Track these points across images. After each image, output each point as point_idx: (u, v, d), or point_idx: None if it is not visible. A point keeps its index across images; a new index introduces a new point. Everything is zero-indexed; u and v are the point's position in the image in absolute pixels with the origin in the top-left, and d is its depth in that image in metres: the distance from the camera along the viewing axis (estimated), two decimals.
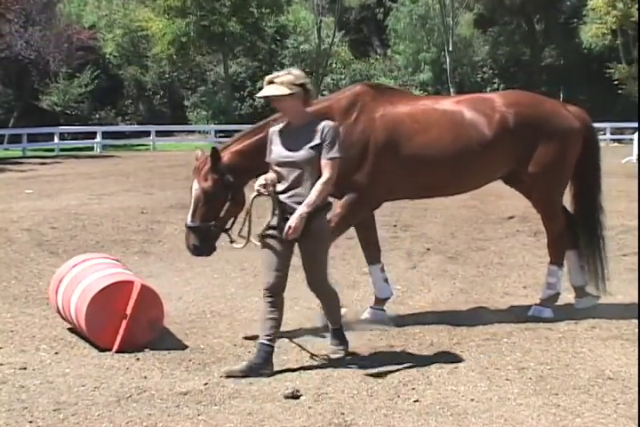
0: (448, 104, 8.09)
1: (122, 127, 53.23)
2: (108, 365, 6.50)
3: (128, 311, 6.88)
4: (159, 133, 49.02)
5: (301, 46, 63.67)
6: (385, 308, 8.14)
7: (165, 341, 7.19)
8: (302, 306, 8.31)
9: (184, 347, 7.05)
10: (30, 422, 5.29)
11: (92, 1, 67.73)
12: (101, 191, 20.33)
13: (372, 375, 6.23)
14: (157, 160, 35.43)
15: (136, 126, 52.78)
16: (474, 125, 7.78)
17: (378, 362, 6.58)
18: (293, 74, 6.26)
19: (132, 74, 62.44)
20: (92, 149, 46.20)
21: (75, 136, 47.54)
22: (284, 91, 6.16)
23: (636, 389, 5.83)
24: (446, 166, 7.78)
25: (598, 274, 8.39)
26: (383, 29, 66.43)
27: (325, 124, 6.23)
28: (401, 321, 7.85)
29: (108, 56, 62.01)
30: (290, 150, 6.26)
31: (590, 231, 8.46)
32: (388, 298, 8.21)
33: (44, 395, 5.79)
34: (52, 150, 44.35)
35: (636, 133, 32.96)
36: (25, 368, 6.41)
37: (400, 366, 6.46)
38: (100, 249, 12.01)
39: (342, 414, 5.42)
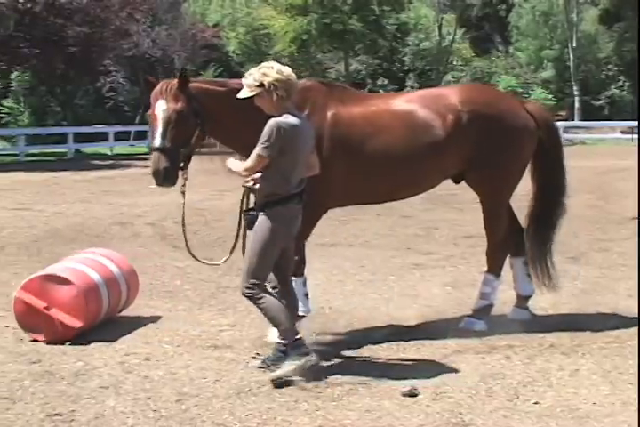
0: (400, 104, 7.53)
1: None
2: (229, 358, 6.60)
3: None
4: None
5: (422, 44, 63.47)
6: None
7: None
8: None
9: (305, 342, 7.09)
10: (154, 410, 5.43)
11: (216, 0, 68.81)
12: (223, 188, 20.59)
13: (490, 375, 6.16)
14: None
15: None
16: (426, 127, 7.29)
17: (497, 362, 6.51)
18: (252, 76, 6.12)
19: None
20: (214, 145, 46.80)
21: None
22: (248, 93, 6.14)
23: None
24: (398, 170, 7.30)
25: (549, 280, 7.95)
26: (505, 26, 65.70)
27: (269, 121, 6.05)
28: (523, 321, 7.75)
29: (230, 54, 62.96)
30: None
31: (544, 238, 7.95)
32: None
33: (166, 385, 5.92)
34: None
35: None
36: (149, 359, 6.57)
37: (519, 367, 6.37)
38: (222, 244, 12.22)
39: (460, 413, 5.38)
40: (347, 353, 6.79)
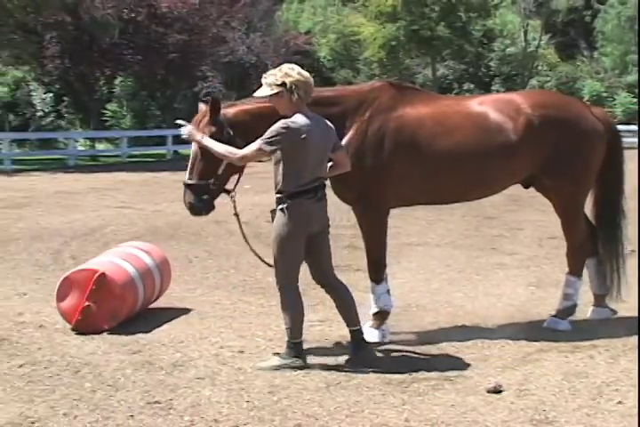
0: (472, 105, 7.40)
1: None
2: (319, 353, 6.62)
3: (85, 296, 7.18)
4: None
5: (508, 49, 62.76)
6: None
7: (373, 331, 7.23)
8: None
9: (391, 338, 7.08)
10: (247, 401, 5.48)
11: (308, 8, 69.16)
12: None
13: (574, 374, 6.06)
14: None
15: None
16: (498, 129, 7.15)
17: (580, 361, 6.41)
18: (274, 76, 6.13)
19: (343, 77, 63.31)
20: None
21: None
22: (268, 92, 6.13)
23: None
24: (468, 171, 7.16)
25: (619, 282, 7.75)
26: (590, 32, 64.52)
27: (280, 120, 6.08)
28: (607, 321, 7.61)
29: (322, 60, 63.18)
30: None
31: (612, 238, 7.76)
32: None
33: (259, 378, 5.98)
34: None
35: None
36: (243, 352, 6.64)
37: (603, 367, 6.26)
38: None
39: (544, 411, 5.31)
40: (432, 350, 6.76)
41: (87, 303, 7.17)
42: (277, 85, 6.06)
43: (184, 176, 6.80)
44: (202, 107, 6.84)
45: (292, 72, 6.09)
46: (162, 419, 5.16)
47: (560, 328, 7.40)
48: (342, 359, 6.42)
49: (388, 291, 7.32)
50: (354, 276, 9.92)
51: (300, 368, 6.18)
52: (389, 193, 7.12)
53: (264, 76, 6.23)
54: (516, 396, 5.61)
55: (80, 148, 41.22)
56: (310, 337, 7.07)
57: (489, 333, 7.20)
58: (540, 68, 63.24)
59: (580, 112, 7.46)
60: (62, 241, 12.52)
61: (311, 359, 6.38)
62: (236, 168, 6.79)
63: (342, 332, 7.17)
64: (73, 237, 12.84)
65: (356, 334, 6.48)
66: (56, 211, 16.22)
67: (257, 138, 6.15)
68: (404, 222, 13.41)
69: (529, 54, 60.63)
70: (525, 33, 60.49)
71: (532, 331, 7.23)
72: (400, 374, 6.06)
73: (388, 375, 6.03)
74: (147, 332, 7.25)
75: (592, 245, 7.74)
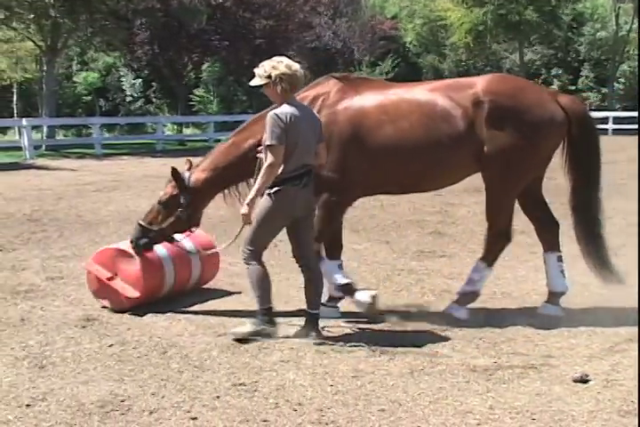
0: (420, 93, 7.27)
1: None
2: (403, 338, 6.61)
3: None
4: None
5: (598, 33, 61.48)
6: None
7: (457, 317, 7.22)
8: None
9: (475, 325, 7.03)
10: (331, 385, 5.50)
11: None
12: None
13: None
14: None
15: None
16: (445, 116, 7.01)
17: None
18: (263, 67, 6.47)
19: (430, 62, 62.93)
20: None
21: None
22: (258, 82, 6.49)
23: None
24: (415, 161, 7.07)
25: (605, 268, 7.48)
26: None
27: (268, 115, 6.39)
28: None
29: (408, 45, 62.84)
30: None
31: (588, 230, 7.48)
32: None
33: (343, 362, 5.99)
34: None
35: None
36: (327, 336, 6.66)
37: None
38: (396, 229, 12.26)
39: (632, 402, 5.21)
40: (518, 338, 6.69)
41: (110, 275, 7.52)
42: (265, 77, 6.43)
43: None
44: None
45: (279, 65, 6.42)
46: (247, 401, 5.21)
47: (457, 315, 7.23)
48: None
49: (340, 265, 7.51)
50: (438, 261, 9.90)
51: (271, 335, 6.50)
52: (347, 184, 7.11)
53: (258, 66, 6.58)
54: (602, 386, 5.51)
55: (168, 132, 41.91)
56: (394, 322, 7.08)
57: (576, 321, 7.09)
58: (631, 52, 61.78)
59: (535, 99, 7.18)
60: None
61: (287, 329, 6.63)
62: (183, 228, 7.55)
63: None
64: None
65: (313, 317, 6.69)
66: (144, 194, 16.47)
67: (218, 188, 7.40)
68: None
69: (620, 39, 59.24)
70: (617, 17, 59.11)
71: (620, 320, 7.09)
72: (484, 362, 6.02)
73: (472, 362, 5.99)
74: (233, 315, 7.33)
75: (553, 240, 7.56)
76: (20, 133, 33.29)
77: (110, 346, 6.35)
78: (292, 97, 6.50)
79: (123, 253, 7.54)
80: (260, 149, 6.67)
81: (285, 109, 6.34)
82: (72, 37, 39.37)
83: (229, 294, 8.20)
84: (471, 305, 7.43)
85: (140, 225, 7.45)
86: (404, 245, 11.00)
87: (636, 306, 7.13)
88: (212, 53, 43.84)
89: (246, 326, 6.59)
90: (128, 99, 56.72)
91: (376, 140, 7.04)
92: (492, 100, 7.00)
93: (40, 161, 28.23)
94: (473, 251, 10.39)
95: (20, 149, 30.82)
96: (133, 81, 53.87)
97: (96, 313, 7.35)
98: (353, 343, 6.40)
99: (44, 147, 33.16)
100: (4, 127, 42.82)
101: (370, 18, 54.81)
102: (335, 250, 7.55)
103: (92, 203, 15.45)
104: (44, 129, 36.37)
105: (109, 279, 7.50)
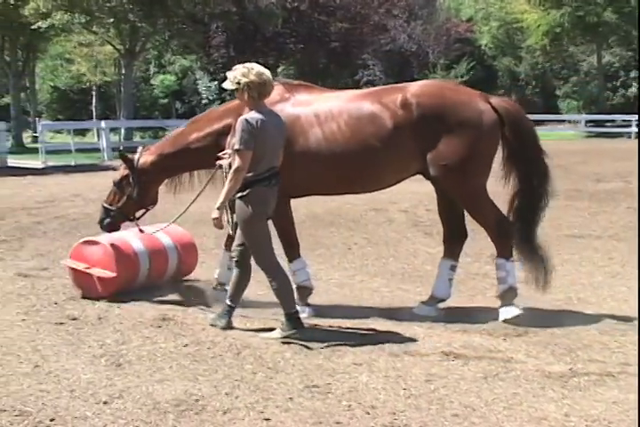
0: (353, 98, 7.48)
1: None
2: (477, 343, 6.55)
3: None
4: None
5: None
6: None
7: (533, 322, 7.15)
8: None
9: (551, 331, 6.94)
10: (404, 389, 5.47)
11: None
12: None
13: None
14: None
15: None
16: (372, 119, 7.16)
17: None
18: (235, 72, 6.60)
19: (505, 65, 62.30)
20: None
21: None
22: (228, 86, 6.66)
23: None
24: (343, 163, 7.22)
25: (540, 273, 7.48)
26: None
27: (238, 120, 6.55)
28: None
29: (483, 48, 62.32)
30: None
31: (526, 233, 7.48)
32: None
33: (416, 366, 5.96)
34: None
35: None
36: (400, 340, 6.63)
37: None
38: (470, 232, 12.14)
39: None
40: (594, 344, 6.58)
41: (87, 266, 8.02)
42: (235, 83, 6.59)
43: None
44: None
45: (249, 73, 6.55)
46: (320, 402, 5.22)
47: (508, 316, 7.20)
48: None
49: (305, 267, 7.72)
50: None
51: (299, 339, 6.54)
52: (290, 184, 7.21)
53: (232, 69, 6.73)
54: None
55: None
56: (470, 327, 7.02)
57: None
58: None
59: (462, 99, 7.23)
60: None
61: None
62: (137, 207, 8.12)
63: (506, 323, 7.10)
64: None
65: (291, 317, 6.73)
66: (215, 195, 16.60)
67: (166, 176, 7.95)
68: (565, 214, 13.13)
69: None
70: None
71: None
72: (560, 368, 5.93)
73: (547, 368, 5.91)
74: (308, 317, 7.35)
75: (454, 248, 7.67)
76: (98, 135, 33.94)
77: (185, 346, 6.41)
78: (261, 103, 6.67)
79: (91, 244, 8.11)
80: (221, 154, 7.01)
81: (255, 115, 6.51)
82: (150, 41, 39.98)
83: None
84: (547, 311, 7.35)
85: (103, 206, 8.11)
86: (478, 248, 10.87)
87: None
88: (286, 56, 44.11)
89: (275, 331, 6.72)
90: (204, 101, 57.35)
91: (305, 143, 7.30)
92: (419, 102, 7.13)
93: (118, 162, 28.62)
94: (550, 256, 10.26)
95: (98, 150, 31.39)
96: (209, 84, 54.43)
97: (171, 313, 7.43)
98: (426, 348, 6.38)
99: (121, 148, 33.70)
100: (84, 129, 43.64)
101: (445, 20, 54.52)
102: (293, 249, 7.76)
103: (165, 203, 15.61)
104: (122, 131, 36.98)
105: (87, 269, 8.01)
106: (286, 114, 7.25)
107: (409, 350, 6.33)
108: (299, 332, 6.62)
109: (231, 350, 6.32)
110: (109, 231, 8.13)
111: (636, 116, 44.08)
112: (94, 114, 56.47)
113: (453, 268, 7.65)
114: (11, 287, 8.34)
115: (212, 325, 6.94)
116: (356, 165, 7.24)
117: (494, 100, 7.41)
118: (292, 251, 7.70)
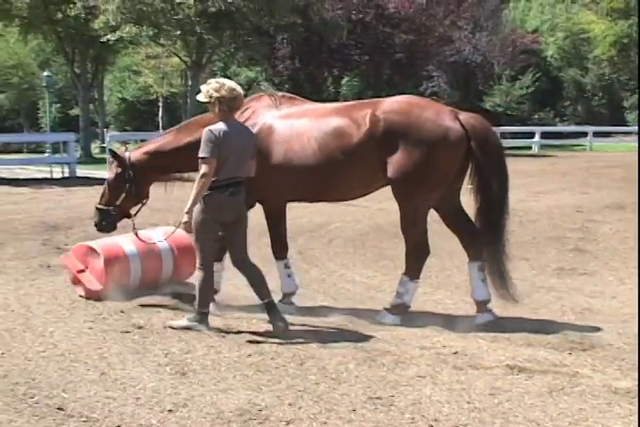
0: (324, 112, 7.82)
1: (560, 128, 52.75)
2: (542, 357, 6.47)
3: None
4: (596, 134, 48.06)
5: None
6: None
7: (599, 337, 7.03)
8: None
9: (617, 346, 6.82)
10: (468, 402, 5.42)
11: (536, 6, 67.76)
12: (538, 189, 20.33)
13: None
14: (594, 160, 34.66)
15: (573, 127, 52.12)
16: (340, 133, 7.48)
17: None
18: (208, 86, 7.05)
19: (571, 76, 61.62)
20: (529, 148, 46.23)
21: (514, 135, 47.83)
22: (202, 98, 7.09)
23: None
24: (314, 173, 7.59)
25: (504, 285, 7.61)
26: None
27: (204, 130, 6.98)
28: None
29: (549, 59, 61.74)
30: None
31: (492, 244, 7.60)
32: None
33: (480, 379, 5.90)
34: None
35: None
36: (464, 352, 6.58)
37: None
38: (535, 245, 12.04)
39: None
40: None
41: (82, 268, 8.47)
42: (207, 96, 7.03)
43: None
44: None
45: (221, 88, 7.00)
46: (383, 415, 5.20)
47: (385, 321, 7.56)
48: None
49: (290, 275, 8.24)
50: (578, 279, 9.68)
51: (200, 331, 7.11)
52: (260, 192, 7.77)
53: (206, 82, 7.22)
54: None
55: None
56: (534, 340, 6.95)
57: None
58: None
59: (428, 115, 7.37)
60: (289, 236, 12.80)
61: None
62: (135, 202, 8.38)
63: (573, 337, 7.00)
64: (299, 233, 13.17)
65: (269, 304, 7.27)
66: (291, 204, 16.66)
67: (156, 171, 8.15)
68: (632, 227, 12.90)
69: None
70: None
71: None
72: (627, 384, 5.82)
73: (613, 384, 5.81)
74: (369, 328, 7.34)
75: (475, 249, 7.72)
76: None
77: (249, 356, 6.44)
78: (231, 116, 7.08)
79: (90, 249, 8.47)
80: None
81: (220, 127, 6.95)
82: (216, 53, 40.41)
83: (367, 309, 8.19)
84: (613, 325, 7.25)
85: (99, 208, 8.40)
86: (544, 261, 10.80)
87: None
88: (351, 68, 44.21)
89: (182, 320, 7.32)
90: None
91: (278, 155, 7.69)
92: (385, 118, 7.37)
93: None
94: (615, 269, 10.15)
95: None
96: None
97: (235, 323, 7.48)
98: (490, 362, 6.32)
99: None
100: None
101: (510, 31, 54.08)
102: (281, 250, 8.34)
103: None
104: None
105: (80, 272, 8.47)
106: (267, 125, 7.79)
107: (473, 363, 6.28)
108: (200, 326, 7.16)
109: (294, 360, 6.34)
110: (110, 231, 8.52)
111: None
112: (161, 125, 57.19)
113: (481, 268, 7.74)
114: (78, 295, 8.46)
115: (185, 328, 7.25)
116: (325, 175, 7.58)
117: (463, 116, 7.53)
118: (282, 252, 8.35)
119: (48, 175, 27.21)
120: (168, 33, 36.10)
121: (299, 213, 15.54)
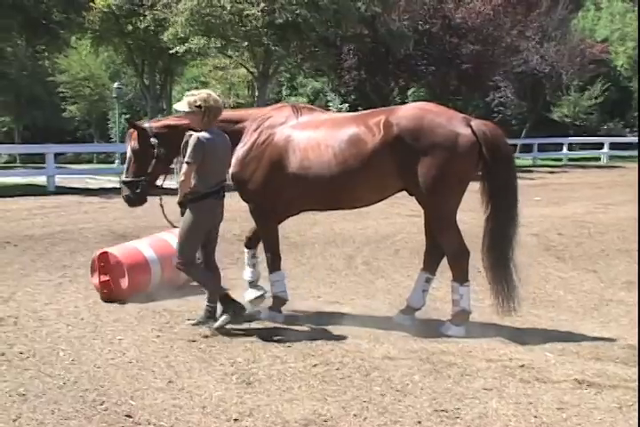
0: (341, 121, 7.89)
1: (629, 139, 51.86)
2: (611, 372, 6.36)
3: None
4: None
5: None
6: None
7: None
8: None
9: None
10: (535, 416, 5.37)
11: (605, 15, 66.87)
12: (607, 201, 20.01)
13: None
14: None
15: None
16: (355, 141, 7.56)
17: None
18: (195, 97, 7.42)
19: None
20: (598, 159, 45.61)
21: (582, 146, 47.24)
22: (186, 108, 7.44)
23: None
24: (329, 181, 7.64)
25: (509, 296, 7.53)
26: None
27: (192, 136, 7.33)
28: None
29: (618, 68, 60.83)
30: None
31: (500, 254, 7.55)
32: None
33: (548, 393, 5.84)
34: (560, 160, 44.55)
35: None
36: (532, 366, 6.51)
37: None
38: (604, 258, 11.86)
39: None
40: None
41: (106, 278, 8.92)
42: (195, 106, 7.38)
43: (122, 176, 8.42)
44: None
45: (208, 98, 7.43)
46: None
47: (450, 333, 7.53)
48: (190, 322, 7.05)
49: (283, 279, 8.28)
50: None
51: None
52: (272, 198, 7.97)
53: (188, 93, 7.61)
54: None
55: None
56: (603, 354, 6.84)
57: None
58: None
59: (440, 125, 7.39)
60: (355, 247, 12.90)
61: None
62: (163, 169, 8.37)
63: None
64: (365, 244, 13.19)
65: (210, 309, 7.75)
66: (349, 217, 16.68)
67: (174, 145, 7.79)
68: None
69: None
70: None
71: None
72: None
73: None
74: (435, 339, 7.30)
75: (433, 262, 7.97)
76: None
77: (314, 366, 6.45)
78: (213, 125, 7.52)
79: (112, 256, 8.93)
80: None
81: (207, 135, 7.36)
82: (283, 64, 40.57)
83: (433, 320, 8.14)
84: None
85: (126, 182, 8.33)
86: (613, 274, 10.62)
87: None
88: (418, 78, 44.02)
89: (192, 320, 7.80)
90: None
91: (295, 162, 7.78)
92: (398, 124, 7.43)
93: None
94: None
95: None
96: (340, 106, 54.76)
97: (301, 333, 7.49)
98: (558, 376, 6.24)
99: None
100: None
101: (579, 41, 53.41)
102: (276, 262, 8.31)
103: (298, 224, 15.78)
104: None
105: (102, 277, 8.93)
106: (285, 134, 7.92)
107: (540, 376, 6.21)
108: (213, 322, 7.57)
109: (360, 371, 6.33)
110: (141, 204, 8.39)
111: None
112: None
113: (428, 280, 8.05)
114: (146, 304, 8.56)
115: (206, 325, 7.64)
116: (340, 183, 7.63)
117: (475, 122, 7.54)
118: (275, 263, 8.26)
119: (117, 185, 27.58)
120: (235, 44, 36.35)
121: (365, 224, 15.57)
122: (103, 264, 9.00)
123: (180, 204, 7.55)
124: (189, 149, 7.29)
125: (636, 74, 48.74)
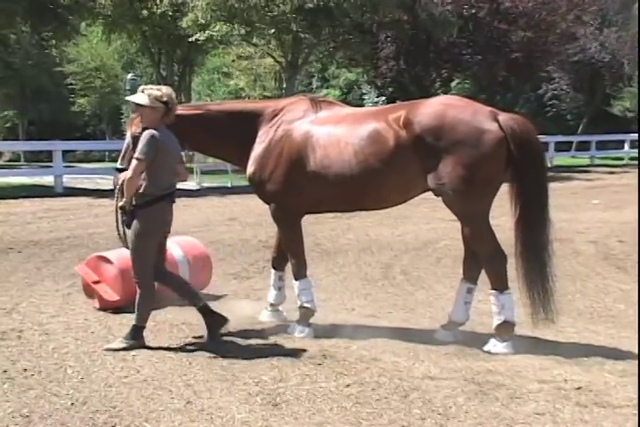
0: (362, 117, 7.95)
1: None
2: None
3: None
4: None
5: None
6: None
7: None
8: None
9: None
10: None
11: None
12: None
13: None
14: None
15: None
16: (376, 138, 7.64)
17: None
18: (162, 92, 7.55)
19: None
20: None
21: None
22: (147, 102, 7.46)
23: None
24: (350, 180, 7.72)
25: (546, 305, 7.59)
26: None
27: (145, 132, 7.44)
28: None
29: None
30: None
31: (535, 260, 7.60)
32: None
33: (607, 419, 5.80)
34: (622, 159, 44.24)
35: None
36: (580, 387, 6.46)
37: None
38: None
39: None
40: None
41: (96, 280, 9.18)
42: (160, 102, 7.49)
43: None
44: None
45: (171, 95, 7.62)
46: None
47: (495, 350, 7.54)
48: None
49: (309, 288, 8.29)
50: None
51: (135, 349, 7.45)
52: (293, 198, 8.07)
53: (149, 86, 7.70)
54: None
55: None
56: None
57: None
58: None
59: (463, 121, 7.39)
60: (392, 255, 12.90)
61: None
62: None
63: None
64: (404, 251, 13.18)
65: (202, 308, 7.88)
66: (386, 222, 16.70)
67: (177, 134, 7.79)
68: None
69: None
70: None
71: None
72: None
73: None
74: (480, 357, 7.28)
75: (472, 269, 7.99)
76: None
77: (347, 386, 6.45)
78: (166, 123, 7.63)
79: (104, 259, 9.20)
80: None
81: (160, 133, 7.46)
82: (313, 53, 40.61)
83: (479, 336, 8.12)
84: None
85: (121, 170, 7.93)
86: None
87: None
88: (462, 69, 43.91)
89: (116, 341, 7.58)
90: None
91: (315, 160, 7.88)
92: (419, 121, 7.48)
93: None
94: None
95: None
96: (377, 99, 54.75)
97: (333, 350, 7.50)
98: (619, 399, 6.19)
99: None
100: None
101: None
102: (302, 268, 8.30)
103: (331, 230, 15.83)
104: None
105: (95, 283, 9.14)
106: (304, 130, 8.02)
107: (599, 400, 6.17)
108: (136, 344, 7.50)
109: (397, 392, 6.32)
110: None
111: None
112: None
113: (470, 291, 8.04)
114: (163, 317, 8.60)
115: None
116: (362, 182, 7.71)
117: (503, 117, 7.51)
118: (301, 270, 8.27)
119: None
120: (261, 31, 36.42)
121: (404, 230, 15.56)
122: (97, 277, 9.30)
123: (123, 208, 7.49)
124: (141, 145, 7.38)
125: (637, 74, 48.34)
